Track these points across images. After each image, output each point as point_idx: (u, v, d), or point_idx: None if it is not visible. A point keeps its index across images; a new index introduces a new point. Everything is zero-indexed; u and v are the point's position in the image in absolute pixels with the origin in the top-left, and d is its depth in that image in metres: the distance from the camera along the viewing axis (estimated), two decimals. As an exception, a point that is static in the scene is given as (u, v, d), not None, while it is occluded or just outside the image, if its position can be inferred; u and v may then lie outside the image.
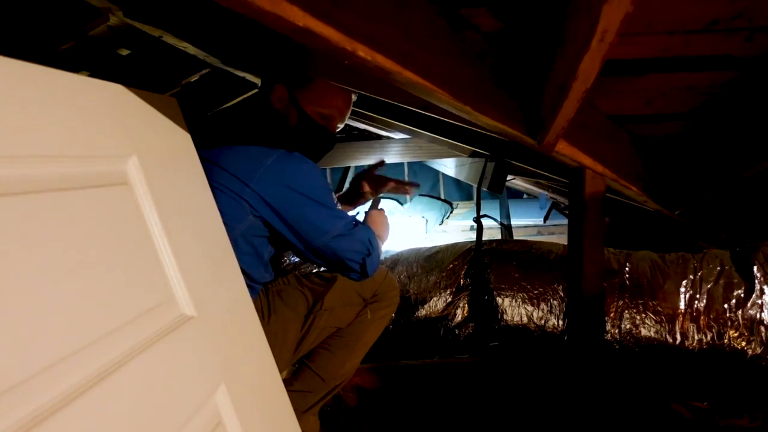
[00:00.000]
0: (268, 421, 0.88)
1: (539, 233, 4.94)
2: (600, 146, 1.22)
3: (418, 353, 1.98)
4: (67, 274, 0.56)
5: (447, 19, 0.87)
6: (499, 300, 1.96)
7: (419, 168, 7.36)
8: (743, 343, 1.66)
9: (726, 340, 1.68)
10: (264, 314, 1.21)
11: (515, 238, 3.55)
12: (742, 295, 1.69)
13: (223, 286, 0.89)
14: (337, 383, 1.35)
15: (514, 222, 3.93)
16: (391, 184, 1.46)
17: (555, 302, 1.90)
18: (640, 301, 1.79)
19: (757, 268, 1.70)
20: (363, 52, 0.72)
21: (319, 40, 0.67)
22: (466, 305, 2.03)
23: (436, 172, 7.02)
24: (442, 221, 5.88)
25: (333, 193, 1.15)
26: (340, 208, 1.13)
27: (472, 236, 3.42)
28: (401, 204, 6.52)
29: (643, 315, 1.77)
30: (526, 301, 1.93)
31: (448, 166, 3.72)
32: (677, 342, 1.73)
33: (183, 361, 0.70)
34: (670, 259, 1.85)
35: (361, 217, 1.30)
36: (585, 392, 1.39)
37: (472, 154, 2.71)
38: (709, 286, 1.73)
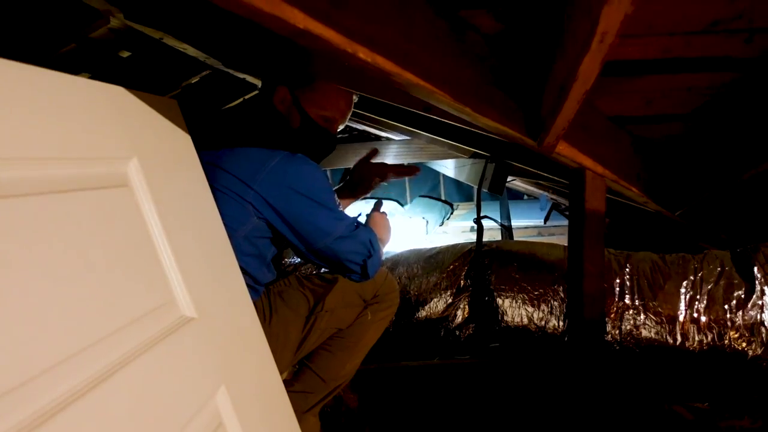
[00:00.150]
0: (269, 421, 0.88)
1: (540, 234, 4.94)
2: (600, 147, 1.22)
3: (419, 354, 1.98)
4: (68, 276, 0.56)
5: (447, 20, 0.87)
6: (499, 301, 1.96)
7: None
8: (744, 344, 1.66)
9: (726, 341, 1.68)
10: (265, 315, 1.21)
11: (516, 239, 3.55)
12: (743, 296, 1.69)
13: (223, 287, 0.89)
14: (338, 384, 1.35)
15: (514, 223, 3.93)
16: (391, 174, 1.42)
17: (555, 303, 1.90)
18: (640, 302, 1.78)
19: (758, 268, 1.70)
20: (363, 53, 0.72)
21: (319, 42, 0.68)
22: (467, 306, 2.03)
23: (437, 173, 7.02)
24: (443, 222, 5.88)
25: (335, 195, 1.15)
26: (342, 209, 1.13)
27: (473, 237, 3.42)
28: (402, 205, 6.52)
29: (644, 316, 1.77)
30: (527, 302, 1.92)
31: (448, 167, 3.72)
32: (678, 343, 1.73)
33: (183, 362, 0.70)
34: (670, 260, 1.85)
35: (362, 219, 1.30)
36: (586, 393, 1.39)
37: (473, 156, 2.71)
38: (709, 287, 1.73)
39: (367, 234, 1.15)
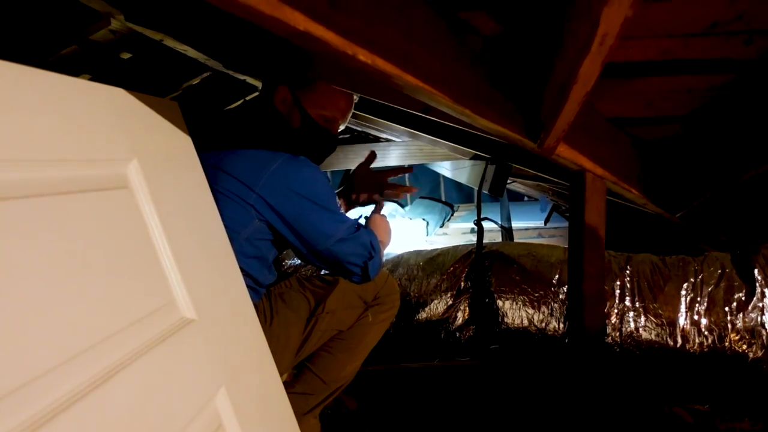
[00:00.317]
0: (269, 423, 0.88)
1: (540, 236, 4.94)
2: (600, 149, 1.22)
3: (419, 356, 1.98)
4: (68, 278, 0.56)
5: (447, 22, 0.87)
6: (499, 303, 1.96)
7: (420, 170, 7.34)
8: (744, 347, 1.66)
9: (727, 344, 1.67)
10: (266, 317, 1.21)
11: (516, 240, 3.55)
12: (743, 298, 1.69)
13: (223, 289, 0.89)
14: (338, 386, 1.35)
15: (514, 225, 3.93)
16: (389, 191, 1.38)
17: (556, 305, 1.90)
18: (640, 304, 1.78)
19: (758, 271, 1.70)
20: (363, 55, 0.72)
21: (319, 44, 0.68)
22: (467, 308, 2.03)
23: (437, 174, 7.01)
24: (443, 224, 5.87)
25: (336, 197, 1.15)
26: (343, 211, 1.13)
27: (473, 239, 3.41)
28: (402, 206, 6.51)
29: (644, 318, 1.77)
30: (527, 304, 1.92)
31: (448, 168, 3.72)
32: (678, 345, 1.72)
33: (183, 364, 0.70)
34: (670, 262, 1.85)
35: (363, 221, 1.30)
36: (586, 395, 1.39)
37: (473, 157, 2.71)
38: (709, 289, 1.73)
39: (368, 236, 1.15)
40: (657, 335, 1.75)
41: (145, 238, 0.72)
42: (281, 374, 1.04)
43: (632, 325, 1.78)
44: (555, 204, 4.44)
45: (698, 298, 1.73)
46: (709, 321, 1.70)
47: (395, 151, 3.22)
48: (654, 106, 1.17)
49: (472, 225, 5.10)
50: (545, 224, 5.05)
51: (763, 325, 1.65)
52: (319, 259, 1.11)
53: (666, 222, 1.66)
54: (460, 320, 2.02)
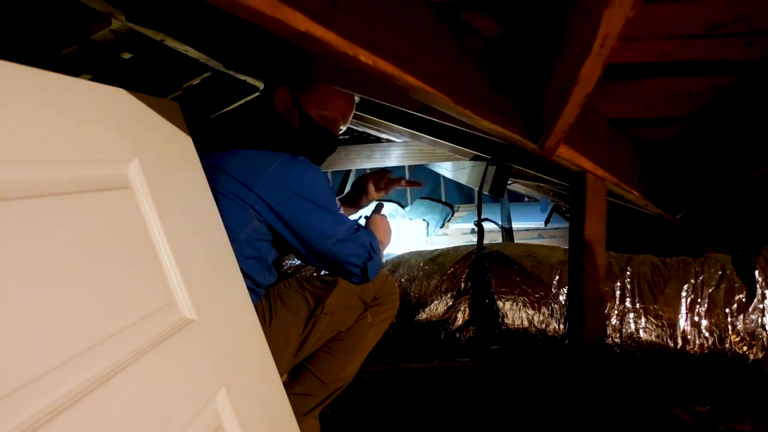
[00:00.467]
0: (269, 424, 0.88)
1: (540, 237, 4.94)
2: (601, 150, 1.22)
3: (419, 357, 1.98)
4: (69, 278, 0.56)
5: (448, 23, 0.87)
6: (500, 304, 1.95)
7: (420, 171, 7.35)
8: (744, 348, 1.66)
9: (727, 345, 1.67)
10: (266, 317, 1.21)
11: (516, 241, 3.55)
12: (744, 300, 1.68)
13: (223, 289, 0.89)
14: (338, 386, 1.35)
15: (515, 225, 3.92)
16: (391, 182, 1.43)
17: (556, 306, 1.90)
18: (641, 306, 1.78)
19: (759, 272, 1.70)
20: (364, 56, 0.72)
21: (320, 45, 0.68)
22: (467, 309, 2.03)
23: (437, 175, 7.01)
24: (443, 224, 5.87)
25: (336, 198, 1.15)
26: (342, 212, 1.13)
27: (474, 239, 3.41)
28: (402, 207, 6.52)
29: (645, 319, 1.77)
30: (527, 304, 1.92)
31: (449, 169, 3.72)
32: (678, 346, 1.72)
33: (184, 364, 0.70)
34: (671, 263, 1.85)
35: (363, 222, 1.30)
36: (586, 396, 1.39)
37: (474, 158, 2.71)
38: (710, 290, 1.73)
39: (368, 237, 1.15)
40: (657, 336, 1.75)
41: (145, 239, 0.72)
42: (280, 375, 1.04)
43: (633, 326, 1.78)
44: (555, 205, 4.44)
45: (699, 300, 1.73)
46: (710, 322, 1.70)
47: (396, 151, 3.22)
48: (654, 108, 1.17)
49: (472, 225, 5.10)
50: (545, 225, 5.05)
51: (763, 326, 1.65)
52: (318, 260, 1.11)
53: (666, 223, 1.66)
54: (460, 321, 2.02)
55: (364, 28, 0.72)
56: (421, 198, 6.79)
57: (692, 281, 1.76)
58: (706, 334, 1.70)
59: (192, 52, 1.38)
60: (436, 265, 2.17)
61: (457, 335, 2.02)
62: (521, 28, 0.92)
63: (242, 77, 1.70)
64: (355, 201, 1.46)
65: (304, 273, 2.32)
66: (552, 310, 1.90)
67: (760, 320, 1.65)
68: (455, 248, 2.25)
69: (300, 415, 1.27)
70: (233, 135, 1.10)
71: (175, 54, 1.41)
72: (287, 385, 1.29)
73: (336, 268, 1.14)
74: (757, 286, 1.68)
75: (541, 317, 1.91)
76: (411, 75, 0.80)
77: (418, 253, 2.32)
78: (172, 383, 0.67)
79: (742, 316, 1.67)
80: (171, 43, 1.30)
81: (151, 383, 0.63)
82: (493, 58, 0.96)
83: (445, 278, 2.10)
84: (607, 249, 1.48)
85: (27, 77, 0.59)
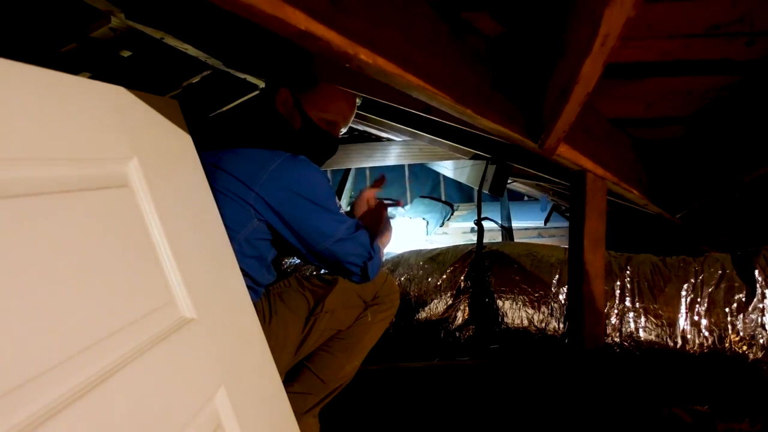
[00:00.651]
0: (268, 423, 0.88)
1: (540, 236, 4.94)
2: (601, 149, 1.22)
3: (419, 355, 1.98)
4: (67, 277, 0.56)
5: (448, 23, 0.87)
6: (499, 303, 1.95)
7: (420, 170, 7.36)
8: (744, 348, 1.66)
9: (727, 344, 1.67)
10: (265, 316, 1.21)
11: (516, 240, 3.55)
12: (744, 299, 1.68)
13: (223, 288, 0.89)
14: (337, 385, 1.35)
15: (514, 224, 3.92)
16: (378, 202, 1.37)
17: (556, 305, 1.90)
18: (641, 305, 1.78)
19: (759, 271, 1.70)
20: (364, 55, 0.72)
21: (320, 44, 0.68)
22: (467, 308, 2.03)
23: (437, 174, 7.01)
24: (443, 223, 5.88)
25: (336, 197, 1.15)
26: (342, 212, 1.13)
27: (473, 238, 3.41)
28: (402, 206, 6.52)
29: (644, 318, 1.77)
30: (527, 304, 1.92)
31: (448, 168, 3.72)
32: (678, 346, 1.72)
33: (183, 363, 0.70)
34: (671, 262, 1.85)
35: None
36: (585, 395, 1.39)
37: (474, 157, 2.71)
38: (710, 289, 1.73)
39: (368, 236, 1.15)
40: (657, 336, 1.75)
41: (144, 237, 0.72)
42: (280, 374, 1.04)
43: (632, 325, 1.78)
44: (555, 204, 4.44)
45: (698, 299, 1.73)
46: (710, 322, 1.70)
47: (395, 150, 3.22)
48: (655, 107, 1.17)
49: (472, 224, 5.10)
50: (545, 224, 5.06)
51: (763, 326, 1.65)
52: (318, 259, 1.11)
53: (666, 222, 1.66)
54: (459, 320, 2.02)
55: (365, 27, 0.71)
56: (421, 197, 6.79)
57: (692, 280, 1.76)
58: (706, 334, 1.70)
59: (192, 51, 1.38)
60: (435, 264, 2.17)
61: (457, 334, 2.02)
62: (522, 28, 0.92)
63: (242, 75, 1.70)
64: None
65: (303, 272, 2.32)
66: (552, 309, 1.90)
67: (759, 320, 1.65)
68: (455, 247, 2.25)
69: (299, 414, 1.27)
70: (233, 134, 1.10)
71: (175, 52, 1.40)
72: (287, 384, 1.28)
73: (336, 267, 1.14)
74: (757, 285, 1.68)
75: (541, 316, 1.91)
76: (411, 74, 0.79)
77: (418, 252, 2.32)
78: (171, 382, 0.67)
79: (741, 316, 1.67)
80: (171, 41, 1.29)
81: (150, 382, 0.63)
82: (493, 57, 0.96)
83: (444, 277, 2.10)
84: (607, 248, 1.48)
85: (26, 75, 0.59)
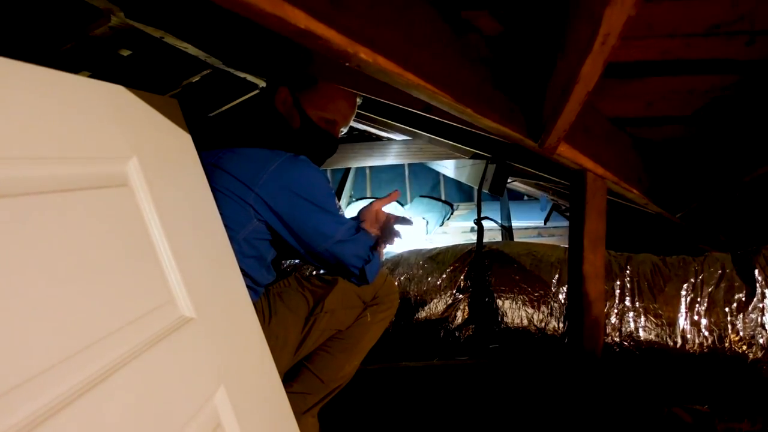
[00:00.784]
0: (267, 422, 0.88)
1: (540, 235, 4.95)
2: (601, 149, 1.22)
3: (418, 355, 1.98)
4: (67, 276, 0.55)
5: (449, 22, 0.87)
6: (499, 302, 1.95)
7: (420, 169, 7.36)
8: (744, 347, 1.66)
9: (727, 344, 1.67)
10: (265, 316, 1.21)
11: (516, 239, 3.55)
12: (744, 299, 1.68)
13: (222, 287, 0.89)
14: (337, 385, 1.35)
15: (514, 224, 3.93)
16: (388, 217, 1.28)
17: (555, 305, 1.90)
18: (640, 305, 1.78)
19: (759, 271, 1.70)
20: (364, 54, 0.72)
21: (320, 43, 0.67)
22: (467, 307, 2.03)
23: (437, 173, 7.01)
24: (443, 222, 5.88)
25: (336, 198, 1.15)
26: (342, 213, 1.12)
27: (473, 238, 3.41)
28: (402, 205, 6.52)
29: (644, 318, 1.77)
30: (527, 303, 1.92)
31: (448, 167, 3.72)
32: (678, 345, 1.72)
33: (182, 363, 0.70)
34: (671, 262, 1.85)
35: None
36: (585, 395, 1.39)
37: (473, 156, 2.71)
38: (710, 289, 1.73)
39: (368, 239, 1.14)
40: (657, 335, 1.75)
41: (144, 237, 0.72)
42: (279, 374, 1.04)
43: (632, 325, 1.78)
44: (555, 203, 4.44)
45: (698, 299, 1.73)
46: (709, 321, 1.70)
47: (395, 149, 3.22)
48: (655, 107, 1.17)
49: (471, 224, 5.10)
50: (545, 223, 5.06)
51: (763, 326, 1.65)
52: (317, 260, 1.11)
53: (666, 222, 1.65)
54: (459, 319, 2.02)
55: (365, 26, 0.71)
56: (421, 196, 6.79)
57: (692, 280, 1.76)
58: (706, 333, 1.70)
59: (191, 50, 1.38)
60: (435, 263, 2.17)
61: (457, 334, 2.02)
62: (522, 27, 0.92)
63: (242, 75, 1.70)
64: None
65: (303, 271, 2.32)
66: (551, 309, 1.90)
67: (759, 319, 1.65)
68: (455, 246, 2.25)
69: (299, 414, 1.27)
70: (233, 133, 1.10)
71: (175, 51, 1.40)
72: (286, 384, 1.28)
73: (335, 268, 1.13)
74: (757, 285, 1.68)
75: (541, 316, 1.91)
76: (411, 73, 0.79)
77: (418, 252, 2.31)
78: (171, 381, 0.67)
79: (741, 316, 1.67)
80: (170, 40, 1.29)
81: (149, 381, 0.62)
82: (493, 56, 0.96)
83: (444, 277, 2.10)
84: (607, 248, 1.48)
85: (25, 74, 0.59)
